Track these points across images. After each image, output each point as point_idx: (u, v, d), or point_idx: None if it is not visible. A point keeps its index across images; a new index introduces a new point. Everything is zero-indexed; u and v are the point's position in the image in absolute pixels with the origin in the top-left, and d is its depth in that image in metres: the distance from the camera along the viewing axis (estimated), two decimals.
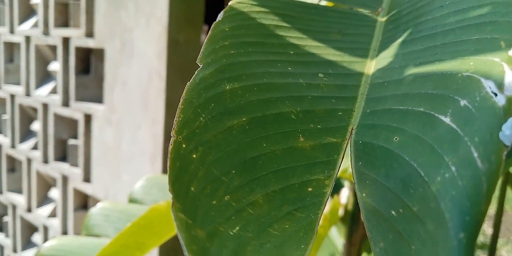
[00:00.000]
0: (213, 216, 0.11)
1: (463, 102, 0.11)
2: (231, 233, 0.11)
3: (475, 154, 0.10)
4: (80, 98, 1.15)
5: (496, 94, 0.11)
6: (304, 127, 0.14)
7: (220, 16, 0.18)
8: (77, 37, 1.10)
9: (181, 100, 0.13)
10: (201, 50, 0.16)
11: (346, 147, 0.14)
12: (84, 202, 1.27)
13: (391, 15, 0.23)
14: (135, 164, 1.05)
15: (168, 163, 0.12)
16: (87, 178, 1.18)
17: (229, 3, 0.20)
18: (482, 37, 0.13)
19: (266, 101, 0.15)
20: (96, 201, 1.19)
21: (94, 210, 0.54)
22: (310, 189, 0.13)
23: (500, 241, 2.11)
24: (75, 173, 1.19)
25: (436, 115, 0.12)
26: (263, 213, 0.12)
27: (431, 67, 0.14)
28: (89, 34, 1.09)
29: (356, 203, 0.73)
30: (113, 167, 1.12)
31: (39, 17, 1.17)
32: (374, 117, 0.14)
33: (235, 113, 0.14)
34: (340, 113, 0.15)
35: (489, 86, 0.11)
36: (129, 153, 1.07)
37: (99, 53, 1.13)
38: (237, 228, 0.11)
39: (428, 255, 0.10)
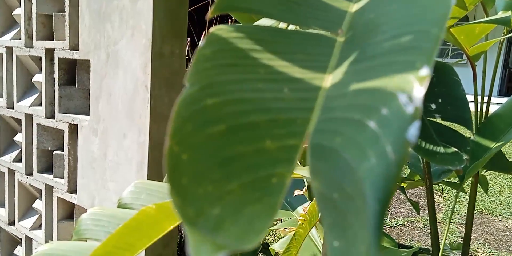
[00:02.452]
0: (199, 201, 0.14)
1: (384, 111, 0.16)
2: (213, 214, 0.14)
3: (389, 149, 0.14)
4: (65, 109, 1.17)
5: (407, 105, 0.15)
6: (270, 132, 0.18)
7: (202, 43, 0.22)
8: (62, 48, 1.13)
9: (173, 113, 0.17)
10: (188, 71, 0.19)
11: (302, 148, 0.18)
12: (69, 212, 1.28)
13: (347, 36, 0.27)
14: (121, 172, 1.07)
15: (165, 162, 0.15)
16: (72, 188, 1.20)
17: (210, 30, 0.24)
18: (407, 59, 0.18)
19: (240, 113, 0.18)
20: (82, 210, 1.21)
21: (84, 216, 0.56)
22: (274, 180, 0.16)
23: (478, 243, 2.17)
24: (60, 183, 1.20)
25: (366, 121, 0.16)
26: (239, 199, 0.15)
27: (368, 84, 0.18)
28: (74, 45, 1.12)
29: None
30: (99, 176, 1.14)
31: (21, 28, 1.19)
32: (325, 123, 0.18)
33: (215, 122, 0.18)
34: (299, 121, 0.19)
35: (403, 98, 0.15)
36: (115, 162, 1.09)
37: (85, 65, 1.16)
38: (218, 210, 0.14)
39: (356, 224, 0.14)
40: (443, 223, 2.32)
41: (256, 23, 0.34)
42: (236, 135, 0.17)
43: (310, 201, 0.84)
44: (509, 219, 2.49)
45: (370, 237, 0.13)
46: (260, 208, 0.15)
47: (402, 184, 1.17)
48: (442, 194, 2.71)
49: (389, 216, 2.45)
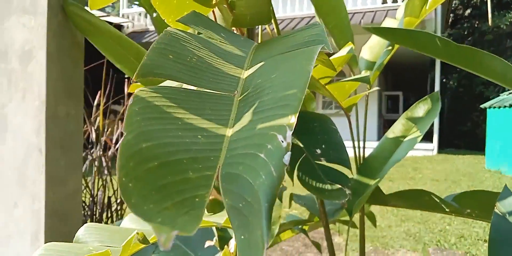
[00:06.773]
0: (146, 213, 0.21)
1: (269, 146, 0.24)
2: (157, 221, 0.21)
3: (272, 169, 0.22)
4: None
5: (283, 142, 0.24)
6: (192, 167, 0.26)
7: (131, 100, 0.29)
8: None
9: (118, 154, 0.24)
10: (124, 123, 0.26)
11: (216, 176, 0.26)
12: None
13: (242, 96, 0.36)
14: (13, 246, 1.01)
15: (119, 186, 0.21)
16: None
17: (135, 92, 0.31)
18: (282, 113, 0.27)
19: (168, 153, 0.26)
20: None
21: None
22: (197, 199, 0.23)
23: None
24: None
25: (258, 153, 0.24)
26: (173, 213, 0.22)
27: (258, 129, 0.27)
28: None
29: None
30: None
31: None
32: (231, 158, 0.26)
33: (150, 160, 0.24)
34: (212, 158, 0.27)
35: (280, 138, 0.24)
36: (4, 235, 1.03)
37: None
38: (160, 219, 0.21)
39: (254, 222, 0.21)
40: None
41: (163, 83, 0.42)
42: (167, 169, 0.24)
43: (221, 251, 0.88)
44: (399, 250, 2.76)
45: (263, 224, 0.20)
46: (188, 218, 0.22)
47: (304, 227, 1.27)
48: (341, 234, 2.91)
49: None
